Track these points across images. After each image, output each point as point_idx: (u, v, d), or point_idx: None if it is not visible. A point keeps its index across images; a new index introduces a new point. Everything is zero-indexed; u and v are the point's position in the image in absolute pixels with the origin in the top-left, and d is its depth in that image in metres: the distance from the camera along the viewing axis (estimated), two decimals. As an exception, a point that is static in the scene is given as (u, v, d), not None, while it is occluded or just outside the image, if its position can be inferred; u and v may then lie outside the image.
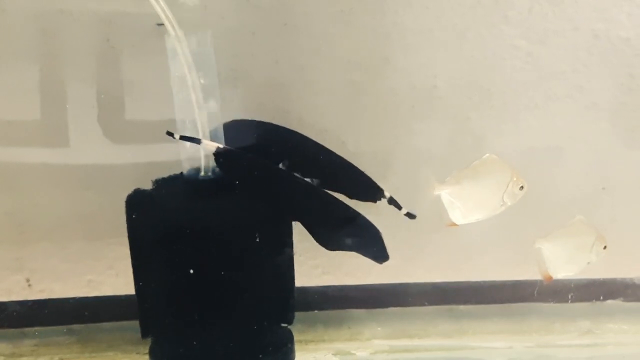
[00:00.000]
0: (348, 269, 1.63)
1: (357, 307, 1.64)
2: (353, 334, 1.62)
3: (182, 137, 1.22)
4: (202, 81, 1.22)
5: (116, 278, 1.57)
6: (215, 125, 1.25)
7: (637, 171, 1.65)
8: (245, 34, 1.46)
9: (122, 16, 1.41)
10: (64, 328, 1.55)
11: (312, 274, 1.61)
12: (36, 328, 1.55)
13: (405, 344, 1.61)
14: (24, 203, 1.52)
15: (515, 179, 1.29)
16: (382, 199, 1.30)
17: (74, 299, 1.57)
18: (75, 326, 1.56)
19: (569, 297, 1.68)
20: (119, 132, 1.48)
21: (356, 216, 1.26)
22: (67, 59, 1.44)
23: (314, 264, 1.62)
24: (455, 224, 1.30)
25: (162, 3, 1.18)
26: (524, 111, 1.57)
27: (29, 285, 1.56)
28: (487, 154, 1.29)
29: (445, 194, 1.29)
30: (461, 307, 1.67)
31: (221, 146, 1.22)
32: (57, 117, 1.46)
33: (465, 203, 1.29)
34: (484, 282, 1.68)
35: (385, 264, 1.57)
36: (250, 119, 1.33)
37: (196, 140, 1.22)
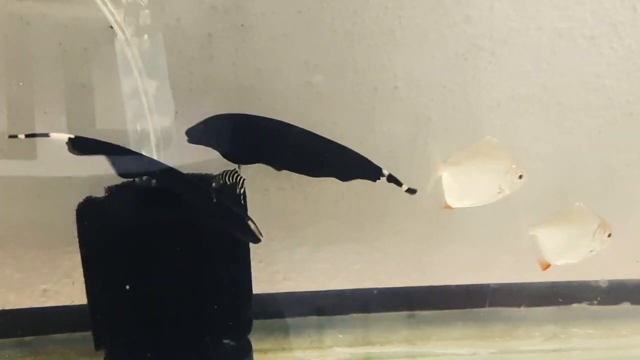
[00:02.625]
0: (309, 274, 1.62)
1: (317, 314, 1.64)
2: (313, 341, 1.60)
3: (28, 135, 1.24)
4: (153, 85, 1.19)
5: (72, 287, 1.54)
6: (167, 129, 1.23)
7: (602, 172, 1.64)
8: (201, 35, 1.43)
9: (75, 20, 1.38)
10: (16, 340, 1.53)
11: (272, 280, 1.59)
12: None
13: (367, 351, 1.60)
14: None
15: (514, 166, 1.27)
16: (381, 177, 1.28)
17: (28, 309, 1.54)
18: (28, 338, 1.53)
19: (533, 301, 1.68)
20: None
21: (220, 203, 1.22)
22: (19, 65, 1.40)
23: (275, 270, 1.60)
24: (449, 207, 1.28)
25: (109, 5, 1.15)
26: (487, 111, 1.56)
27: None
28: (488, 137, 1.26)
29: (446, 174, 1.26)
30: (424, 312, 1.66)
31: (72, 135, 1.20)
32: (10, 124, 1.41)
33: (463, 186, 1.27)
34: (447, 286, 1.67)
35: (348, 268, 1.58)
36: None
37: (44, 135, 1.22)
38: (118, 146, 1.19)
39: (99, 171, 1.37)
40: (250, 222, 1.19)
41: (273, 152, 1.29)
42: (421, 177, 1.50)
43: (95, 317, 1.27)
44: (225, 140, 1.25)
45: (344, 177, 1.29)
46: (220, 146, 1.27)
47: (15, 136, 1.21)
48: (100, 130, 1.41)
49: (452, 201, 1.27)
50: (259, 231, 1.20)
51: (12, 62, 1.40)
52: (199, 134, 1.27)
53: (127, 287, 1.23)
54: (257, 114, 1.36)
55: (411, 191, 1.29)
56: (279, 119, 1.43)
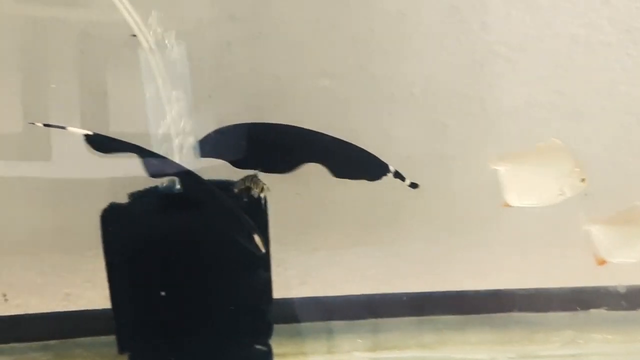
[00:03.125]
0: (326, 279, 1.63)
1: (336, 319, 1.62)
2: (332, 346, 1.59)
3: (46, 125, 1.24)
4: (175, 93, 1.20)
5: (94, 291, 1.55)
6: (189, 135, 1.24)
7: (620, 179, 1.63)
8: (220, 44, 1.44)
9: (96, 28, 1.40)
10: (40, 344, 1.53)
11: (289, 285, 1.60)
12: (12, 344, 1.52)
13: (385, 356, 1.58)
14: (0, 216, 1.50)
15: (577, 169, 1.25)
16: (387, 174, 1.28)
17: (51, 313, 1.55)
18: (52, 342, 1.53)
19: (551, 306, 1.67)
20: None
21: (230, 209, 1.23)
22: (42, 70, 1.43)
23: (292, 275, 1.60)
24: (509, 205, 1.27)
25: (134, 15, 1.17)
26: (503, 117, 1.56)
27: (6, 300, 1.54)
28: (552, 139, 1.26)
29: (503, 170, 1.25)
30: (441, 317, 1.65)
31: (90, 132, 1.19)
32: (34, 129, 1.39)
33: (523, 185, 1.26)
34: (464, 291, 1.66)
35: (364, 273, 1.58)
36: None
37: (61, 127, 1.21)
38: (135, 145, 1.20)
39: (120, 176, 1.38)
40: (255, 236, 1.20)
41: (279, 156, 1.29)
42: (438, 182, 1.54)
43: (119, 320, 1.27)
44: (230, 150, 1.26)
45: (355, 175, 1.29)
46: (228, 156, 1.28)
47: (33, 123, 1.22)
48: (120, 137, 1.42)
49: (512, 199, 1.26)
50: (263, 244, 1.21)
51: (33, 68, 1.42)
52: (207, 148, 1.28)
53: (151, 291, 1.23)
54: (274, 121, 1.38)
55: (414, 185, 1.29)
56: (297, 125, 1.45)
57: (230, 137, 1.28)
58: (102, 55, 1.42)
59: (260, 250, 1.19)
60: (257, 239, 1.18)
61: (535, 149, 1.26)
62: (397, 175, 1.29)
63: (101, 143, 1.20)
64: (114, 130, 1.43)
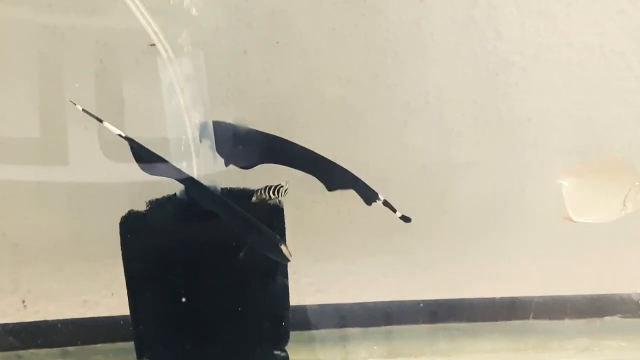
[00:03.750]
0: (343, 286, 1.63)
1: (352, 326, 1.62)
2: (349, 353, 1.59)
3: (84, 110, 1.22)
4: (193, 101, 1.21)
5: (112, 298, 1.56)
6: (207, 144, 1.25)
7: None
8: (237, 52, 1.45)
9: (115, 36, 1.42)
10: (58, 350, 1.53)
11: (306, 292, 1.60)
12: (31, 350, 1.53)
13: (401, 364, 1.60)
14: (19, 223, 1.51)
15: (638, 183, 1.23)
16: (377, 201, 1.28)
17: (69, 320, 1.56)
18: (70, 348, 1.54)
19: (566, 313, 1.67)
20: (114, 151, 1.45)
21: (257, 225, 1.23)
22: (62, 78, 1.43)
23: (308, 282, 1.61)
24: (571, 219, 1.25)
25: (153, 25, 1.17)
26: (518, 127, 1.56)
27: (25, 307, 1.55)
28: (611, 152, 1.24)
29: (566, 184, 1.24)
30: (456, 325, 1.65)
31: (122, 134, 1.20)
32: (53, 136, 1.46)
33: (585, 200, 1.24)
34: (479, 299, 1.66)
35: (381, 281, 1.58)
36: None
37: (98, 119, 1.21)
38: (160, 157, 1.21)
39: (139, 183, 1.40)
40: (282, 246, 1.20)
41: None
42: (453, 190, 1.56)
43: (137, 327, 1.28)
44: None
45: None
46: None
47: (75, 104, 1.22)
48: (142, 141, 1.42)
49: (574, 214, 1.24)
50: (289, 253, 1.21)
51: (53, 78, 1.43)
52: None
53: (169, 298, 1.24)
54: (289, 130, 1.39)
55: (405, 219, 1.29)
56: (313, 133, 1.47)
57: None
58: (121, 64, 1.43)
59: (287, 260, 1.20)
60: (284, 249, 1.19)
61: (597, 162, 1.24)
62: (386, 204, 1.28)
63: (132, 148, 1.21)
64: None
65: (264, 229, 1.20)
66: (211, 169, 1.25)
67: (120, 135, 1.20)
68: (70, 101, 1.22)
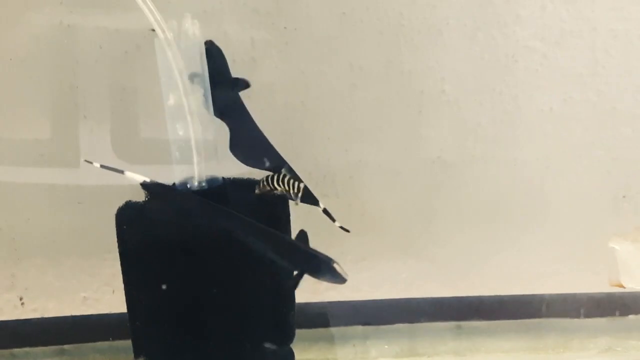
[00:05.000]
0: (353, 283, 1.55)
1: (362, 324, 1.61)
2: (358, 352, 1.57)
3: (103, 166, 1.19)
4: (195, 87, 1.16)
5: (112, 295, 1.53)
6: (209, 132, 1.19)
7: (660, 178, 1.61)
8: (244, 39, 1.42)
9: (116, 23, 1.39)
10: (55, 348, 1.52)
11: (315, 289, 1.56)
12: (26, 349, 1.52)
13: (414, 363, 1.59)
14: (16, 218, 1.49)
15: None
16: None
17: (68, 317, 1.54)
18: (67, 346, 1.52)
19: (587, 312, 1.64)
20: (115, 145, 1.44)
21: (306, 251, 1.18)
22: (60, 68, 1.41)
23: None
24: (621, 285, 1.22)
25: (154, 10, 1.13)
26: (538, 116, 1.53)
27: (22, 304, 1.53)
28: None
29: (620, 249, 1.20)
30: (472, 323, 1.63)
31: (147, 179, 1.16)
32: (50, 133, 1.44)
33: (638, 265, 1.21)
34: (497, 296, 1.64)
35: (394, 278, 1.55)
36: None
37: (118, 171, 1.18)
38: (190, 194, 1.17)
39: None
40: (336, 265, 1.15)
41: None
42: (469, 184, 1.55)
43: (134, 323, 1.23)
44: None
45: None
46: None
47: (91, 162, 1.18)
48: (141, 134, 1.43)
49: (627, 281, 1.21)
50: (344, 272, 1.16)
51: (52, 65, 1.41)
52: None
53: (166, 293, 1.19)
54: (298, 119, 1.35)
55: (344, 229, 1.23)
56: (322, 123, 1.45)
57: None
58: (123, 54, 1.40)
59: (344, 280, 1.14)
60: (338, 267, 1.13)
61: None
62: (326, 213, 1.23)
63: (155, 189, 1.18)
64: (138, 130, 1.44)
65: (314, 251, 1.16)
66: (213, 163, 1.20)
67: (144, 183, 1.17)
68: (85, 160, 1.20)
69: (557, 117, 1.53)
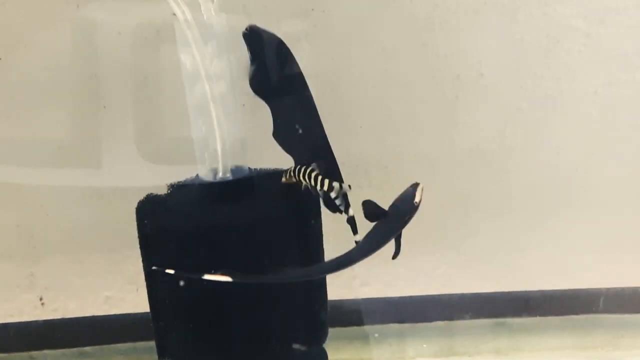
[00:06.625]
0: (389, 279, 1.57)
1: (399, 322, 1.58)
2: (395, 351, 1.55)
3: (155, 267, 1.13)
4: (217, 74, 1.12)
5: (136, 294, 1.51)
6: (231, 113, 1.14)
7: None
8: (269, 22, 1.36)
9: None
10: (74, 350, 1.51)
11: (350, 286, 1.55)
12: (45, 351, 1.50)
13: (454, 363, 1.57)
14: (34, 214, 1.47)
15: None
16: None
17: (89, 317, 1.53)
18: (88, 348, 1.51)
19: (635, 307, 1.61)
20: (136, 135, 1.42)
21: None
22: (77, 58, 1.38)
23: (352, 275, 1.56)
24: None
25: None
26: (582, 99, 1.49)
27: (42, 304, 1.52)
28: None
29: None
30: (515, 320, 1.60)
31: (230, 279, 1.09)
32: (69, 124, 1.41)
33: None
34: (540, 292, 1.60)
35: (430, 273, 1.57)
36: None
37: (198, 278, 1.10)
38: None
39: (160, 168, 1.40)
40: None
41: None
42: (509, 172, 1.52)
43: (157, 323, 1.20)
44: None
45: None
46: None
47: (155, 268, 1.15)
48: (163, 123, 1.40)
49: None
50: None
51: (70, 54, 1.37)
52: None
53: (190, 290, 1.14)
54: (328, 105, 1.30)
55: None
56: (354, 111, 1.43)
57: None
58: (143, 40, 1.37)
59: None
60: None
61: None
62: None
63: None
64: (158, 118, 1.41)
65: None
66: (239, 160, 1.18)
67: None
68: (154, 268, 1.14)
69: (602, 100, 1.49)
